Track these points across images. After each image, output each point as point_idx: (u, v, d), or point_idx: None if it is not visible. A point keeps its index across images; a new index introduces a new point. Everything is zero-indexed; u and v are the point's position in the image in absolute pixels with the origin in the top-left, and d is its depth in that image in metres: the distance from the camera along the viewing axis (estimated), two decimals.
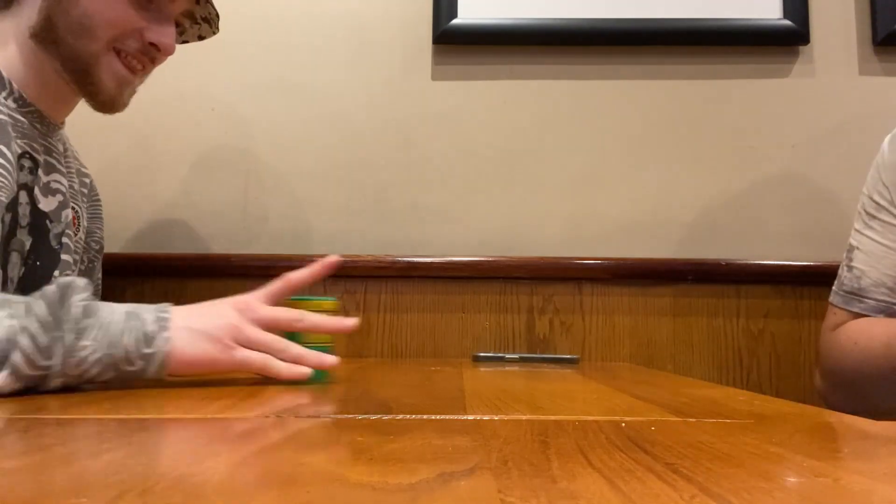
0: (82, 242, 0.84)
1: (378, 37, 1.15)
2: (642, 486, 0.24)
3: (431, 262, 1.08)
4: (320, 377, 0.61)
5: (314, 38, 1.16)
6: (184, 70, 1.15)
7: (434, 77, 1.15)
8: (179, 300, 1.06)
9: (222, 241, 1.11)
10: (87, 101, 0.74)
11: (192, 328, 0.56)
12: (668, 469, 0.26)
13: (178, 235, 1.12)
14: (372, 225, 1.12)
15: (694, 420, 0.41)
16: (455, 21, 1.12)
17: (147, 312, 0.55)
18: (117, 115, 1.12)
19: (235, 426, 0.35)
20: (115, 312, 0.54)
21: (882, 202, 0.80)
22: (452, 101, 1.14)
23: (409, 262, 1.07)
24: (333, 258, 0.65)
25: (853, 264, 0.82)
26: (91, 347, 0.51)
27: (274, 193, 1.13)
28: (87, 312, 0.52)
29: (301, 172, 1.13)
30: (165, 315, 0.56)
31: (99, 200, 0.93)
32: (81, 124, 1.12)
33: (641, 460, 0.28)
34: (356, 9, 1.16)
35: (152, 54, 0.73)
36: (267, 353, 0.58)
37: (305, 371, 0.58)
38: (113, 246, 1.10)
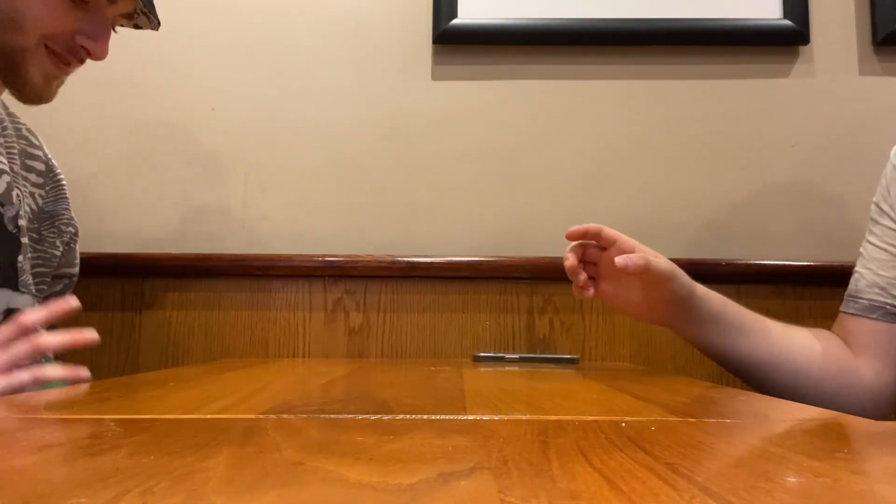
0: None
1: (378, 37, 1.15)
2: (642, 486, 0.24)
3: (431, 262, 1.08)
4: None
5: (314, 37, 1.16)
6: (183, 70, 1.15)
7: (434, 77, 1.15)
8: (180, 300, 1.07)
9: (222, 241, 1.11)
10: (12, 94, 0.71)
11: None
12: (668, 469, 0.26)
13: (178, 235, 1.12)
14: (372, 225, 1.12)
15: (694, 420, 0.41)
16: (455, 21, 1.12)
17: None
18: (116, 116, 1.12)
19: (235, 426, 0.35)
20: None
21: (885, 207, 0.81)
22: (452, 101, 1.14)
23: (409, 262, 1.07)
24: (74, 303, 0.63)
25: (856, 269, 0.83)
26: None
27: (274, 193, 1.13)
28: None
29: (301, 172, 1.13)
30: None
31: (60, 180, 0.87)
32: (82, 124, 1.12)
33: (641, 460, 0.28)
34: (356, 9, 1.16)
35: (81, 56, 0.70)
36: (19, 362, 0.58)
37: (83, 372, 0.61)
38: (113, 246, 1.10)
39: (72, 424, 0.36)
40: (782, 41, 1.13)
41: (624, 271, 0.69)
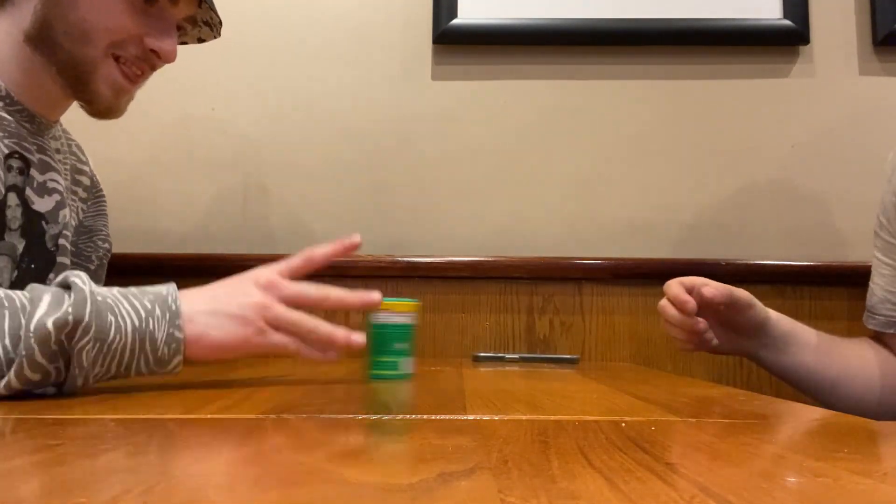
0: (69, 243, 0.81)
1: (378, 37, 1.15)
2: (642, 486, 0.24)
3: (431, 262, 1.08)
4: (401, 375, 0.63)
5: (314, 38, 1.16)
6: (184, 70, 1.15)
7: (434, 77, 1.15)
8: None
9: (222, 241, 1.11)
10: (83, 108, 0.72)
11: (218, 311, 0.55)
12: (668, 469, 0.26)
13: (178, 235, 1.12)
14: (372, 225, 1.12)
15: (694, 420, 0.41)
16: (455, 21, 1.12)
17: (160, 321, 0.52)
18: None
19: (235, 426, 0.35)
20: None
21: (882, 220, 0.82)
22: (452, 101, 1.14)
23: (409, 262, 1.07)
24: (355, 238, 0.63)
25: (870, 283, 0.84)
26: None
27: (274, 193, 1.13)
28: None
29: (301, 172, 1.13)
30: (175, 307, 0.53)
31: (102, 196, 0.89)
32: (81, 123, 1.12)
33: (641, 460, 0.28)
34: (356, 9, 1.16)
35: (152, 61, 0.71)
36: (297, 333, 0.57)
37: (334, 355, 0.59)
38: (113, 246, 1.10)
39: (72, 424, 0.36)
40: (782, 41, 1.13)
41: (708, 304, 0.72)
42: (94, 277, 0.86)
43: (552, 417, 0.41)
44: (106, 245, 0.89)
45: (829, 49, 1.13)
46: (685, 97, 1.14)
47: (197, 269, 1.07)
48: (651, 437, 0.33)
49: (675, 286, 0.75)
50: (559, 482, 0.24)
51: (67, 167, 0.81)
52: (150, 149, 1.14)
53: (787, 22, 1.11)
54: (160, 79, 1.14)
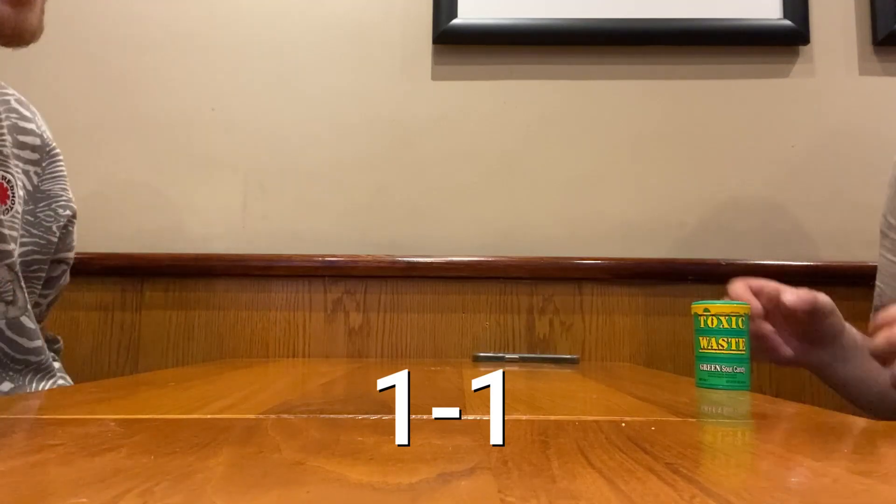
0: (20, 217, 0.70)
1: (378, 37, 1.15)
2: (642, 486, 0.24)
3: (431, 262, 1.08)
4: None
5: (314, 38, 1.16)
6: (184, 70, 1.15)
7: (434, 77, 1.15)
8: (180, 300, 1.07)
9: (222, 241, 1.11)
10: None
11: None
12: (668, 469, 0.26)
13: (178, 235, 1.12)
14: (372, 225, 1.12)
15: (694, 420, 0.41)
16: (455, 21, 1.12)
17: None
18: (117, 116, 1.12)
19: (235, 426, 0.35)
20: None
21: (891, 220, 0.81)
22: (452, 101, 1.14)
23: (409, 262, 1.07)
24: None
25: (876, 282, 0.84)
26: None
27: (274, 193, 1.13)
28: None
29: (300, 172, 1.13)
30: None
31: (58, 155, 0.78)
32: (83, 124, 1.12)
33: (641, 460, 0.28)
34: (356, 9, 1.16)
35: None
36: None
37: None
38: (113, 246, 1.10)
39: (72, 424, 0.36)
40: (782, 41, 1.13)
41: (791, 314, 0.64)
42: (62, 247, 0.77)
43: (552, 417, 0.41)
44: (67, 212, 0.77)
45: (829, 49, 1.13)
46: (685, 97, 1.14)
47: (198, 269, 1.08)
48: (651, 437, 0.33)
49: (739, 288, 0.66)
50: (559, 482, 0.24)
51: (3, 128, 0.71)
52: (150, 149, 1.14)
53: (787, 22, 1.11)
54: (160, 79, 1.15)
